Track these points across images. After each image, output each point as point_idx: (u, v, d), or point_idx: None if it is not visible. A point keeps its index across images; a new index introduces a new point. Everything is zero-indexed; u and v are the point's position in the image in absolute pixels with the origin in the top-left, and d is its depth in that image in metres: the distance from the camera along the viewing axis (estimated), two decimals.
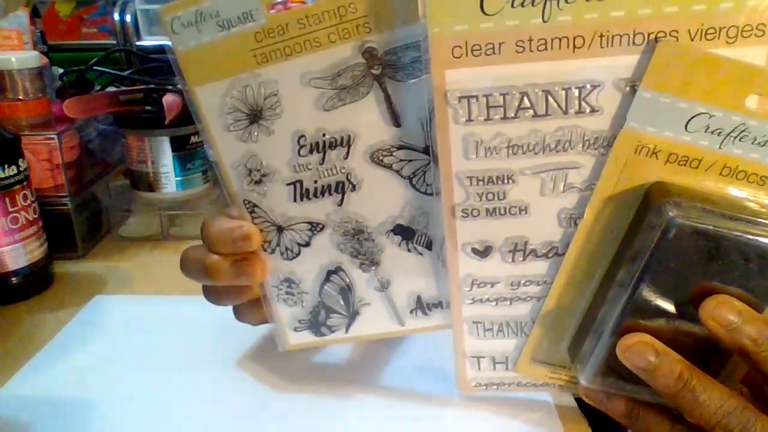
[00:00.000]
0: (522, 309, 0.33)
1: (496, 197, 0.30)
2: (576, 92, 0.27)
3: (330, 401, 0.38)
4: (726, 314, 0.27)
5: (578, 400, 0.38)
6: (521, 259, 0.31)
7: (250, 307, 0.38)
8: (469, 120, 0.28)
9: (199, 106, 0.31)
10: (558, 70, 0.26)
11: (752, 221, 0.26)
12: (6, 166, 0.47)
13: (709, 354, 0.28)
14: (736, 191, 0.27)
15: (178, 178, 0.62)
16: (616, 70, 0.26)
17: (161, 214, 0.62)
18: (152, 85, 0.62)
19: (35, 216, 0.50)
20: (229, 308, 0.38)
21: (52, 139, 0.54)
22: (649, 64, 0.25)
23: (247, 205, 0.34)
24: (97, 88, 0.69)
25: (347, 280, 0.35)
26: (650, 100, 0.26)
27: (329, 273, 0.35)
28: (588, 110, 0.27)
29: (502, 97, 0.27)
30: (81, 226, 0.58)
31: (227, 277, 0.34)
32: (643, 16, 0.25)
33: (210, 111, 0.31)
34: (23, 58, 0.54)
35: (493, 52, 0.26)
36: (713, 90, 0.25)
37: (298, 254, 0.35)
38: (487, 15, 0.25)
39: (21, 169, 0.48)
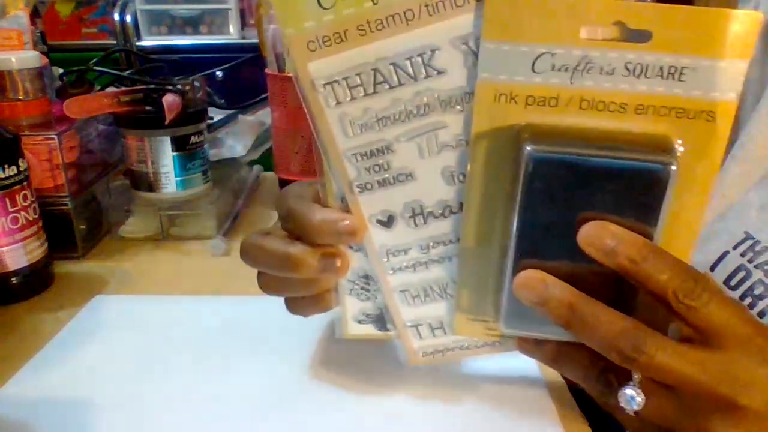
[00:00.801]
0: (439, 271, 0.34)
1: (382, 168, 0.32)
2: (419, 59, 0.29)
3: (332, 403, 0.38)
4: (601, 238, 0.27)
5: (577, 400, 0.38)
6: (422, 222, 0.33)
7: (311, 300, 0.37)
8: (338, 102, 0.31)
9: None
10: (399, 43, 0.29)
11: (613, 147, 0.27)
12: (6, 166, 0.47)
13: (621, 289, 0.29)
14: (602, 122, 0.28)
15: (178, 178, 0.62)
16: (449, 31, 0.29)
17: (161, 214, 0.62)
18: (152, 85, 0.62)
19: (35, 216, 0.50)
20: (230, 307, 0.38)
21: (52, 139, 0.54)
22: (483, 17, 0.27)
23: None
24: (97, 88, 0.69)
25: None
26: (494, 50, 0.28)
27: None
28: (435, 73, 0.30)
29: (357, 77, 0.30)
30: (81, 226, 0.58)
31: (311, 271, 0.33)
32: None
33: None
34: (23, 58, 0.54)
35: (341, 40, 0.29)
36: (548, 29, 0.27)
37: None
38: (326, 9, 0.29)
39: (21, 169, 0.48)
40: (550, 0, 0.27)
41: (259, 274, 0.37)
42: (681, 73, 0.27)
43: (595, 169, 0.27)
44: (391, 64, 0.29)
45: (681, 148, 0.27)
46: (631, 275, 0.27)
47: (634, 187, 0.27)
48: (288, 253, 0.33)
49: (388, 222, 0.33)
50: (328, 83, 0.30)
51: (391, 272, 0.35)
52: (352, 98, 0.30)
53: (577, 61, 0.27)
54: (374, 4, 0.28)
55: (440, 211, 0.32)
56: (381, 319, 0.37)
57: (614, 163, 0.27)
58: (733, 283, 0.39)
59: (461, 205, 0.32)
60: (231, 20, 1.64)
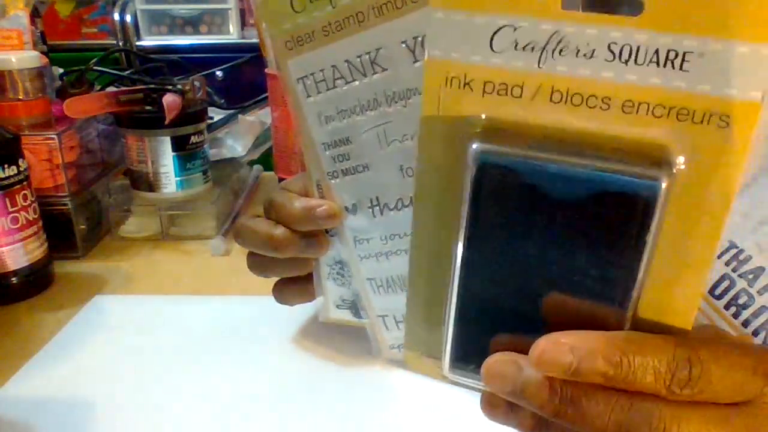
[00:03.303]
0: (398, 263, 0.36)
1: (344, 158, 0.34)
2: (367, 57, 0.32)
3: (333, 402, 0.38)
4: (556, 358, 0.22)
5: None
6: (380, 213, 0.35)
7: (295, 290, 0.41)
8: (309, 96, 0.34)
9: None
10: (351, 42, 0.31)
11: (586, 154, 0.21)
12: (6, 166, 0.47)
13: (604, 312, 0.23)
14: (578, 121, 0.21)
15: (178, 178, 0.62)
16: (391, 31, 0.30)
17: (161, 214, 0.62)
18: (152, 85, 0.62)
19: (35, 216, 0.50)
20: (230, 307, 0.38)
21: (52, 139, 0.54)
22: None
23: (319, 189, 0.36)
24: (97, 88, 0.69)
25: None
26: (443, 20, 0.22)
27: None
28: (380, 70, 0.32)
29: (321, 72, 0.33)
30: (81, 226, 0.58)
31: (293, 250, 0.37)
32: None
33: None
34: (23, 58, 0.54)
35: (310, 39, 0.32)
36: None
37: None
38: (298, 12, 0.32)
39: (21, 169, 0.48)
40: None
41: (249, 254, 0.40)
42: (684, 60, 0.20)
43: (559, 180, 0.21)
44: (345, 61, 0.32)
45: (682, 163, 0.21)
46: (610, 386, 0.22)
47: (609, 208, 0.21)
48: (271, 233, 0.37)
49: (353, 210, 0.36)
50: (300, 78, 0.33)
51: (358, 258, 0.37)
52: (319, 92, 0.33)
53: (547, 38, 0.21)
54: (333, 7, 0.31)
55: (394, 204, 0.34)
56: (355, 306, 0.39)
57: (583, 175, 0.21)
58: (717, 292, 0.39)
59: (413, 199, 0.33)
60: (231, 20, 1.64)
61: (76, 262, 0.57)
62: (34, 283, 0.51)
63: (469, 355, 0.25)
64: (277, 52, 0.33)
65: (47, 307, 0.50)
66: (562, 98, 0.21)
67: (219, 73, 0.95)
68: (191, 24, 1.65)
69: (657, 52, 0.20)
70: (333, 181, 0.35)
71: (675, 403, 0.22)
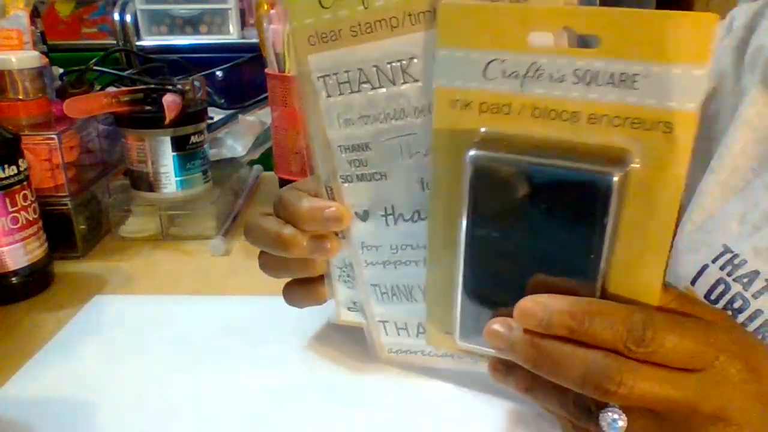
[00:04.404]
0: (407, 273, 0.35)
1: (361, 164, 0.33)
2: (398, 65, 0.31)
3: (333, 402, 0.38)
4: (533, 313, 0.27)
5: None
6: (393, 222, 0.34)
7: (305, 292, 0.40)
8: (329, 95, 0.33)
9: None
10: (382, 47, 0.30)
11: (559, 156, 0.26)
12: (6, 166, 0.47)
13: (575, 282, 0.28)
14: (555, 132, 0.27)
15: (178, 178, 0.62)
16: (427, 41, 0.30)
17: (161, 214, 0.62)
18: (152, 85, 0.62)
19: (35, 216, 0.50)
20: (230, 307, 0.38)
21: (52, 139, 0.54)
22: (437, 24, 0.28)
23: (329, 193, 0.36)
24: (97, 88, 0.69)
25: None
26: (448, 56, 0.28)
27: None
28: (411, 80, 0.31)
29: (346, 74, 0.32)
30: (81, 226, 0.58)
31: (302, 251, 0.36)
32: None
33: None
34: (23, 58, 0.54)
35: (336, 37, 0.31)
36: (497, 35, 0.27)
37: None
38: (325, 8, 0.31)
39: (21, 169, 0.48)
40: (499, 6, 0.27)
41: (260, 254, 0.39)
42: (633, 81, 0.25)
43: (536, 176, 0.27)
44: (374, 66, 0.31)
45: (636, 163, 0.26)
46: (575, 339, 0.26)
47: (575, 198, 0.26)
48: (280, 233, 0.36)
49: (363, 216, 0.35)
50: (321, 76, 0.32)
51: (364, 265, 0.36)
52: (341, 93, 0.32)
53: (526, 67, 0.26)
54: (365, 8, 0.30)
55: (410, 215, 0.34)
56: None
57: (554, 172, 0.26)
58: (713, 296, 0.39)
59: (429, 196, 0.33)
60: (231, 20, 1.64)
61: (76, 262, 0.57)
62: (34, 283, 0.51)
63: (474, 325, 0.30)
64: (297, 46, 0.32)
65: (47, 307, 0.50)
66: (540, 114, 0.27)
67: (219, 73, 0.96)
68: (191, 24, 1.65)
69: (612, 75, 0.25)
70: (346, 185, 0.34)
71: (633, 361, 0.25)
